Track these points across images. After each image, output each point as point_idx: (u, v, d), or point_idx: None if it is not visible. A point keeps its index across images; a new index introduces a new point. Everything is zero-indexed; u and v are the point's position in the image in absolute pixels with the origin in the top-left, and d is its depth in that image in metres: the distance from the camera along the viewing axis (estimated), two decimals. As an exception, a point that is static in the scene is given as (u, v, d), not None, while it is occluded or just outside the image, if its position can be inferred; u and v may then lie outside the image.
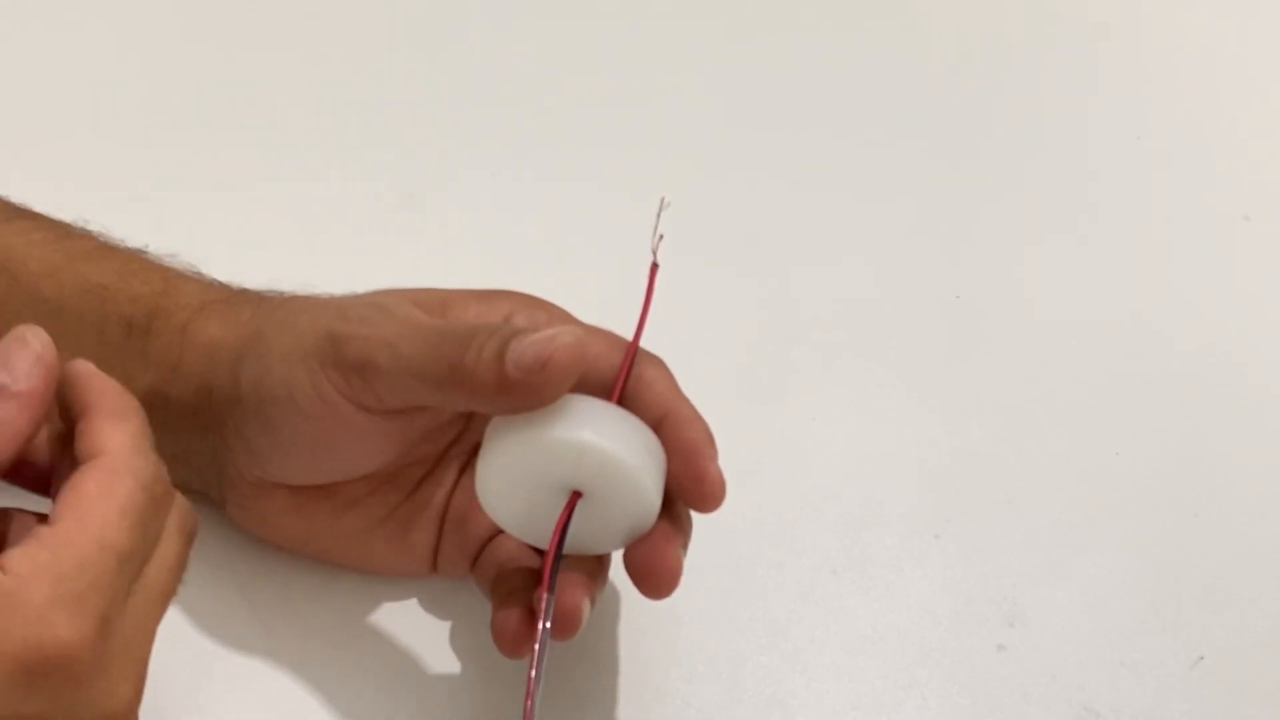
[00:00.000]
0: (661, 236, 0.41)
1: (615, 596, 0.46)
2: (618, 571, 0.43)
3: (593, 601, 0.41)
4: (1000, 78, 0.72)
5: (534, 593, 0.40)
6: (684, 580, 0.47)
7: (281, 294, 0.46)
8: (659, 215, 0.41)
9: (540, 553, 0.42)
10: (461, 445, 0.45)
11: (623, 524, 0.40)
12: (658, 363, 0.42)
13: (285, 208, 0.59)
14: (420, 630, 0.45)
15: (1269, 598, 0.49)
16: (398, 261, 0.56)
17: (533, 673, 0.39)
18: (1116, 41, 0.74)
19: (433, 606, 0.46)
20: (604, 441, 0.39)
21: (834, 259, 0.60)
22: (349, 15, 0.71)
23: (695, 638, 0.46)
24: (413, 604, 0.46)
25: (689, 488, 0.40)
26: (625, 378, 0.41)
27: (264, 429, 0.42)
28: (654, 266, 0.41)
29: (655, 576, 0.40)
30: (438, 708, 0.44)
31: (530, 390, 0.38)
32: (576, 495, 0.40)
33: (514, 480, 0.40)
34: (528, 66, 0.68)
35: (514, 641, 0.41)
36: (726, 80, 0.69)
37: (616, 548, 0.41)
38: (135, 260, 0.47)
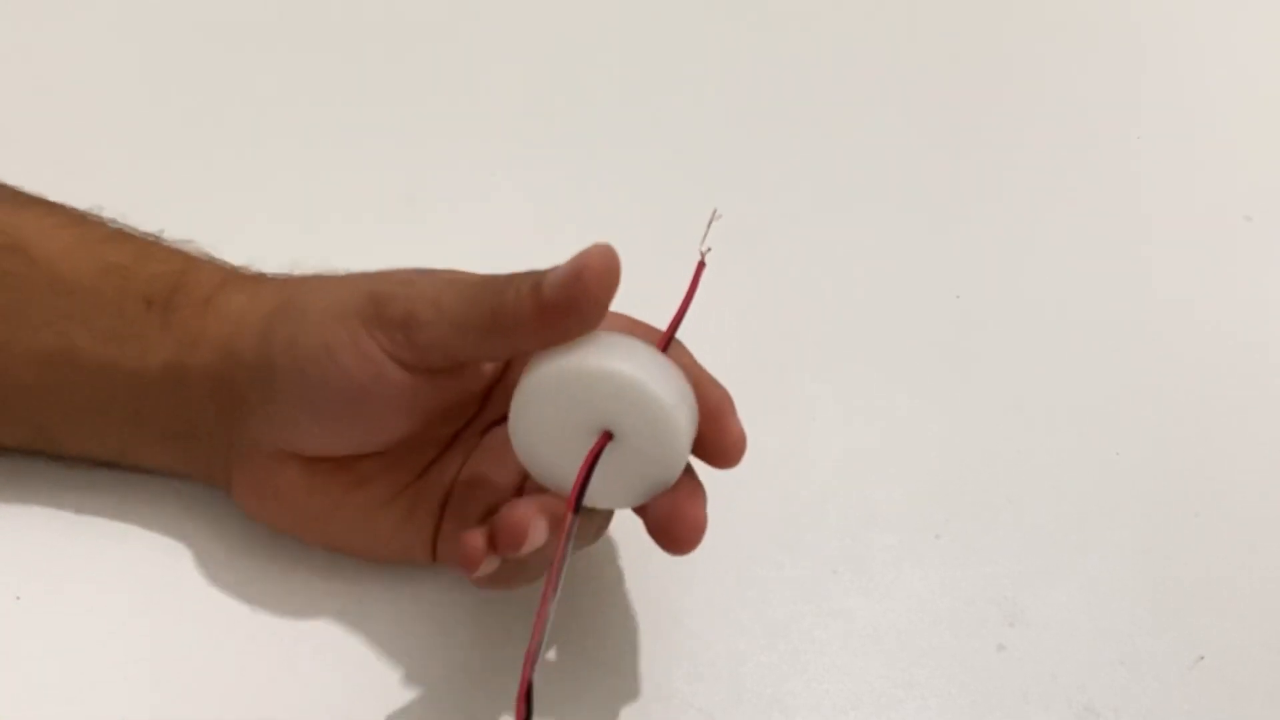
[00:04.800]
0: (709, 249, 0.42)
1: (615, 597, 0.46)
2: (615, 570, 0.43)
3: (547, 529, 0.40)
4: (1000, 78, 0.72)
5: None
6: (684, 580, 0.47)
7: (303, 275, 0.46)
8: (709, 227, 0.42)
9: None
10: (472, 429, 0.46)
11: (649, 472, 0.40)
12: (679, 343, 0.43)
13: (285, 209, 0.60)
14: (420, 631, 0.45)
15: (1269, 598, 0.49)
16: (398, 262, 0.56)
17: (551, 598, 0.38)
18: (1116, 41, 0.74)
19: (433, 607, 0.46)
20: (644, 376, 0.39)
21: (834, 259, 0.60)
22: (347, 16, 0.71)
23: (695, 638, 0.46)
24: (412, 605, 0.46)
25: (712, 440, 0.41)
26: (673, 330, 0.42)
27: (294, 390, 0.42)
28: (701, 264, 0.42)
29: (684, 528, 0.40)
30: (437, 707, 0.44)
31: (569, 308, 0.39)
32: (608, 435, 0.39)
33: (547, 414, 0.40)
34: (528, 66, 0.69)
35: (475, 558, 0.40)
36: (725, 81, 0.70)
37: (638, 501, 0.41)
38: (153, 244, 0.47)
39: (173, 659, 0.44)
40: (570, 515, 0.39)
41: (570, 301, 0.38)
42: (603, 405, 0.39)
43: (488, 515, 0.44)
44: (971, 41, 0.74)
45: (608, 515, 0.44)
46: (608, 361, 0.39)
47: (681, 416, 0.39)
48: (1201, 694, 0.46)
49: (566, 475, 0.40)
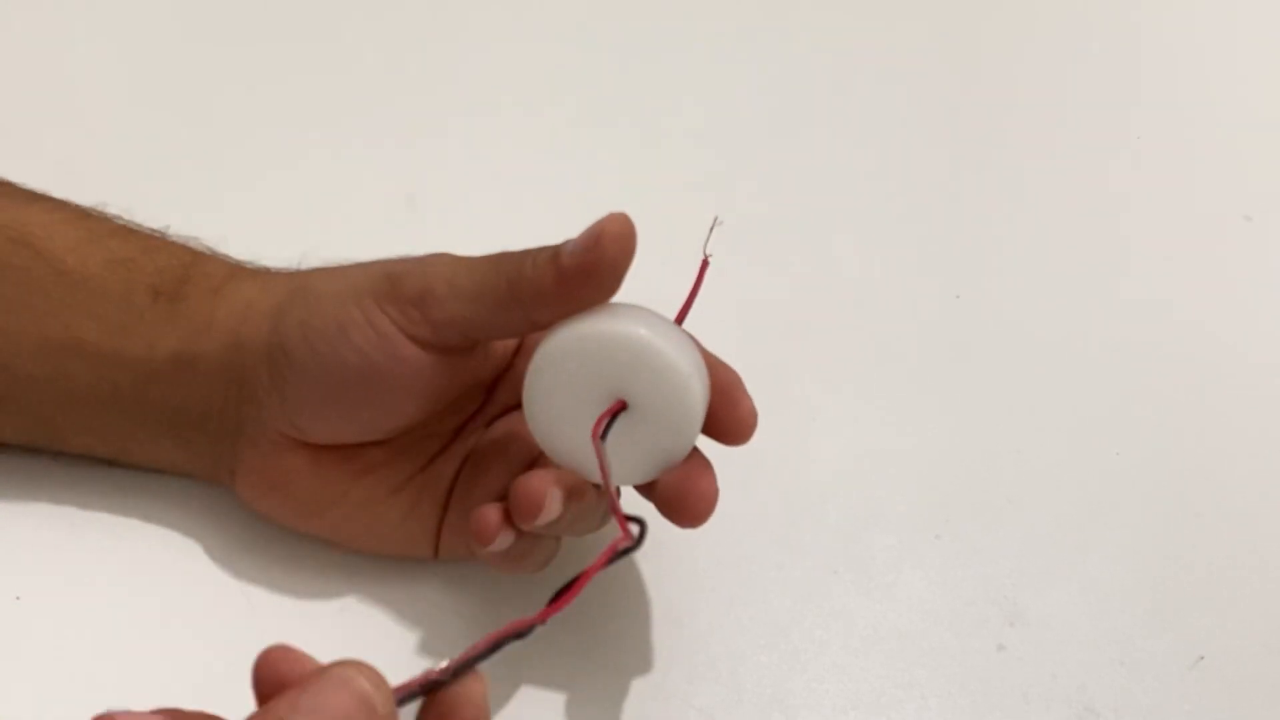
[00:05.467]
0: (711, 254, 0.43)
1: (615, 597, 0.46)
2: (615, 570, 0.43)
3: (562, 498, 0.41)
4: (1000, 78, 0.72)
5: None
6: (684, 580, 0.47)
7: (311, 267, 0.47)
8: (710, 232, 0.42)
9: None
10: (477, 422, 0.46)
11: (662, 444, 0.40)
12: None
13: (284, 209, 0.60)
14: (421, 629, 0.45)
15: (1269, 598, 0.49)
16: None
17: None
18: (1117, 42, 0.74)
19: (434, 608, 0.46)
20: (661, 342, 0.39)
21: (834, 258, 0.60)
22: (349, 16, 0.71)
23: (695, 638, 0.46)
24: (413, 605, 0.46)
25: (724, 415, 0.41)
26: (688, 307, 0.42)
27: (306, 372, 0.42)
28: (705, 263, 0.43)
29: (696, 500, 0.41)
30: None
31: (589, 274, 0.39)
32: (621, 404, 0.40)
33: (561, 383, 0.40)
34: (529, 66, 0.69)
35: (490, 530, 0.41)
36: (725, 82, 0.70)
37: (650, 475, 0.41)
38: (159, 238, 0.47)
39: (174, 658, 0.44)
40: (597, 443, 0.39)
41: (589, 267, 0.39)
42: (618, 372, 0.39)
43: None
44: (972, 42, 0.74)
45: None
46: (625, 326, 0.39)
47: (697, 385, 0.40)
48: (1201, 694, 0.46)
49: (579, 448, 0.40)
